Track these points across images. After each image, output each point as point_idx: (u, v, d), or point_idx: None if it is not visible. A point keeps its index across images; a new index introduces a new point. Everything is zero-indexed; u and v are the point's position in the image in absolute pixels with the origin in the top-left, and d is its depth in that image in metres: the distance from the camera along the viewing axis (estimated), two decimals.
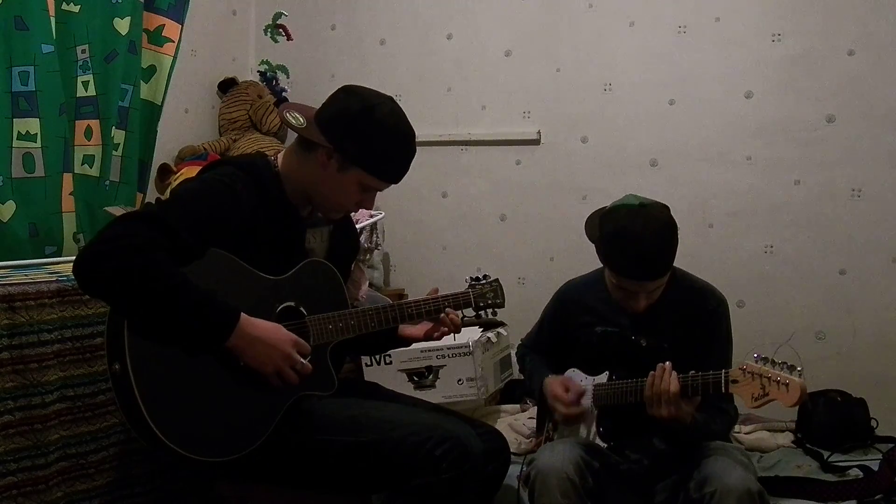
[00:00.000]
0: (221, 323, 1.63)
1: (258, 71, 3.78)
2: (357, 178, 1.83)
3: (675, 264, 2.03)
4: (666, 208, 2.01)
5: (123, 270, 1.54)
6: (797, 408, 1.73)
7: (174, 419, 1.62)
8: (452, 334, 2.06)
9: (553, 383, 2.12)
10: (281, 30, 3.71)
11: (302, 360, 1.73)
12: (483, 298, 2.06)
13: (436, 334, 2.04)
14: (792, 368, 1.71)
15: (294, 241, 1.90)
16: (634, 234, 1.92)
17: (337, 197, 1.88)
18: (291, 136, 3.77)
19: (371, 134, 1.80)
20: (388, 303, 2.10)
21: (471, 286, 2.07)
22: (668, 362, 1.89)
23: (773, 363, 1.74)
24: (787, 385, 1.69)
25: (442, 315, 1.99)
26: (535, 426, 2.66)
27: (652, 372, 1.89)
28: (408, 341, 2.09)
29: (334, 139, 1.80)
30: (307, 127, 1.84)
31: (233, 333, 1.63)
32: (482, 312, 2.08)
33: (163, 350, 1.62)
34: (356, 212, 1.99)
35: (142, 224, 1.61)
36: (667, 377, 1.86)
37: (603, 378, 2.09)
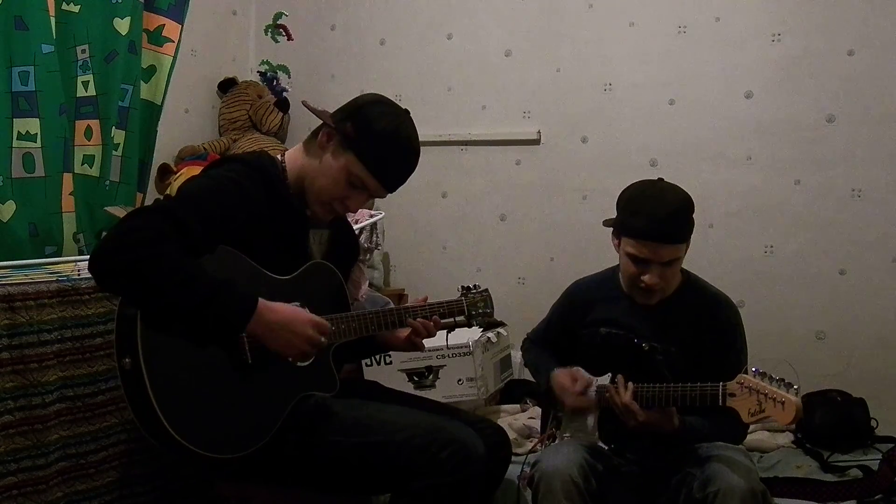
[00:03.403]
0: (240, 308, 1.63)
1: (258, 71, 3.78)
2: (347, 163, 1.82)
3: (683, 266, 2.03)
4: (682, 188, 2.03)
5: (141, 261, 1.55)
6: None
7: (184, 415, 1.63)
8: (447, 332, 2.07)
9: (560, 375, 2.12)
10: (281, 30, 3.71)
11: (321, 339, 1.74)
12: (475, 307, 2.09)
13: (415, 340, 2.03)
14: (789, 386, 1.71)
15: (298, 239, 1.90)
16: (653, 195, 1.96)
17: (323, 182, 1.84)
18: (292, 137, 3.79)
19: (373, 123, 1.82)
20: (388, 302, 2.11)
21: (463, 295, 2.10)
22: (619, 376, 1.95)
23: (771, 379, 1.74)
24: (783, 403, 1.69)
25: (419, 321, 1.99)
26: (535, 426, 2.66)
27: (612, 385, 1.94)
28: (385, 348, 2.12)
29: (337, 121, 1.84)
30: (322, 111, 1.88)
31: (252, 319, 1.63)
32: (473, 320, 2.10)
33: (174, 346, 1.62)
34: (344, 213, 1.96)
35: (156, 217, 1.62)
36: (621, 391, 1.92)
37: (606, 379, 2.08)
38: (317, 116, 1.87)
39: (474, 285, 2.13)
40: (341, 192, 1.85)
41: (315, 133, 1.89)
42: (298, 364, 1.78)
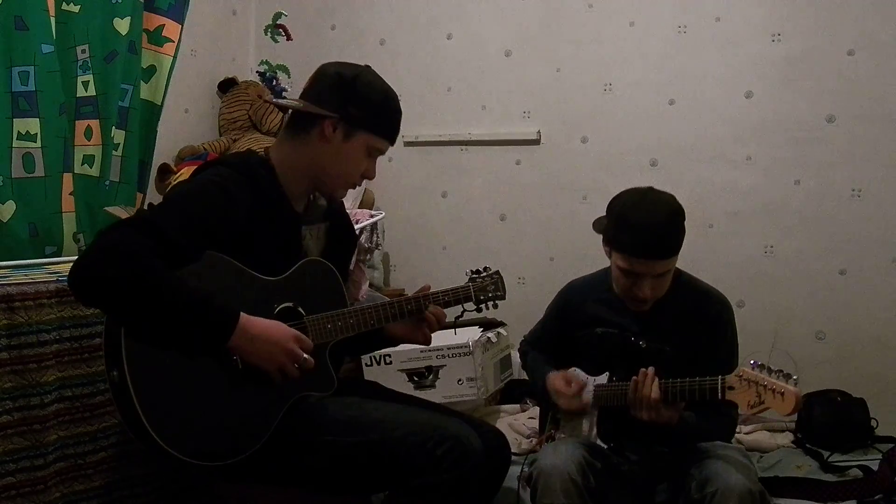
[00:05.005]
0: (221, 324, 1.62)
1: (257, 71, 3.78)
2: (364, 141, 1.88)
3: (676, 265, 2.03)
4: (673, 196, 2.02)
5: (119, 278, 1.53)
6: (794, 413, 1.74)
7: (174, 425, 1.62)
8: (454, 330, 2.04)
9: (555, 378, 2.12)
10: (281, 30, 3.71)
11: (304, 355, 1.73)
12: (483, 292, 2.05)
13: (420, 335, 2.01)
14: (788, 377, 1.70)
15: (290, 239, 1.89)
16: (643, 210, 1.95)
17: (344, 168, 1.89)
18: None
19: (369, 96, 1.87)
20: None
21: (471, 279, 2.06)
22: (650, 368, 1.91)
23: (770, 370, 1.73)
24: (782, 394, 1.68)
25: (427, 313, 1.97)
26: (535, 426, 2.66)
27: (635, 377, 1.91)
28: (395, 341, 2.08)
29: (337, 108, 1.84)
30: (305, 105, 1.87)
31: (233, 333, 1.63)
32: (483, 306, 2.07)
33: (161, 356, 1.61)
34: (361, 183, 1.99)
35: (135, 230, 1.60)
36: (648, 383, 1.89)
37: (603, 379, 2.08)
38: (312, 112, 1.85)
39: (484, 268, 2.09)
40: (361, 167, 1.92)
41: (303, 127, 1.87)
42: (282, 382, 1.73)
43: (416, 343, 2.05)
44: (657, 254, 1.94)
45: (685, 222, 2.00)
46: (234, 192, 1.76)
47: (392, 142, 1.95)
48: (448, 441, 1.75)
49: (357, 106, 1.85)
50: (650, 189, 2.02)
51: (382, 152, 1.94)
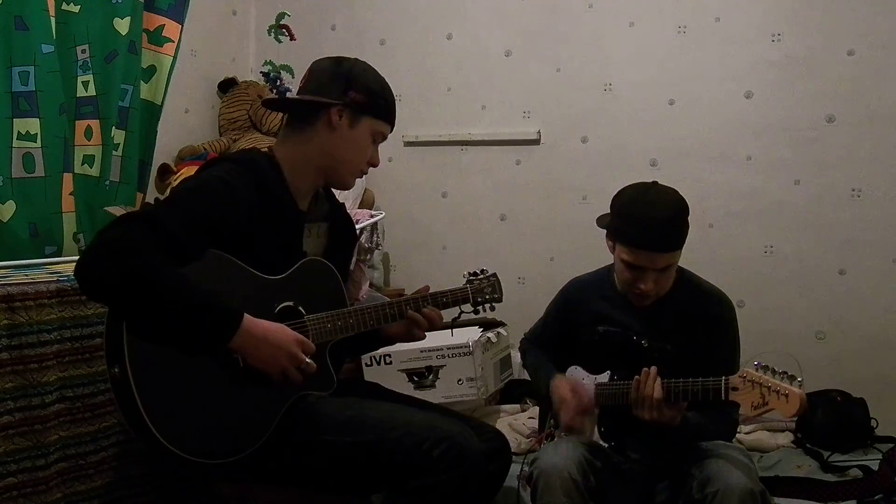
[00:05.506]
0: (223, 324, 1.61)
1: (261, 72, 3.78)
2: (369, 127, 1.92)
3: (678, 264, 2.03)
4: (677, 191, 2.03)
5: (123, 273, 1.53)
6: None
7: (174, 422, 1.62)
8: (451, 332, 2.04)
9: (561, 385, 2.10)
10: (284, 30, 3.71)
11: (307, 359, 1.72)
12: (481, 294, 2.06)
13: (415, 332, 2.01)
14: (792, 378, 1.70)
15: (293, 237, 1.90)
16: (648, 202, 1.96)
17: (353, 155, 1.92)
18: None
19: (367, 83, 1.92)
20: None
21: (468, 282, 2.07)
22: (653, 367, 1.90)
23: (774, 372, 1.73)
24: (786, 396, 1.68)
25: (422, 312, 1.98)
26: (535, 426, 2.66)
27: (637, 376, 1.90)
28: (391, 340, 2.09)
29: (340, 96, 1.88)
30: (303, 96, 1.90)
31: (235, 334, 1.62)
32: (480, 308, 2.07)
33: (162, 352, 1.61)
34: (366, 172, 2.02)
35: (139, 225, 1.60)
36: (650, 382, 1.88)
37: (604, 377, 2.08)
38: (317, 103, 1.88)
39: (481, 270, 2.09)
40: (368, 153, 1.96)
41: (306, 120, 1.89)
42: (283, 384, 1.73)
43: (410, 340, 2.06)
44: (661, 246, 1.94)
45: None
46: (239, 188, 1.75)
47: (392, 126, 1.99)
48: (444, 442, 1.75)
49: (358, 92, 1.89)
50: (655, 183, 2.03)
51: (385, 137, 1.97)
